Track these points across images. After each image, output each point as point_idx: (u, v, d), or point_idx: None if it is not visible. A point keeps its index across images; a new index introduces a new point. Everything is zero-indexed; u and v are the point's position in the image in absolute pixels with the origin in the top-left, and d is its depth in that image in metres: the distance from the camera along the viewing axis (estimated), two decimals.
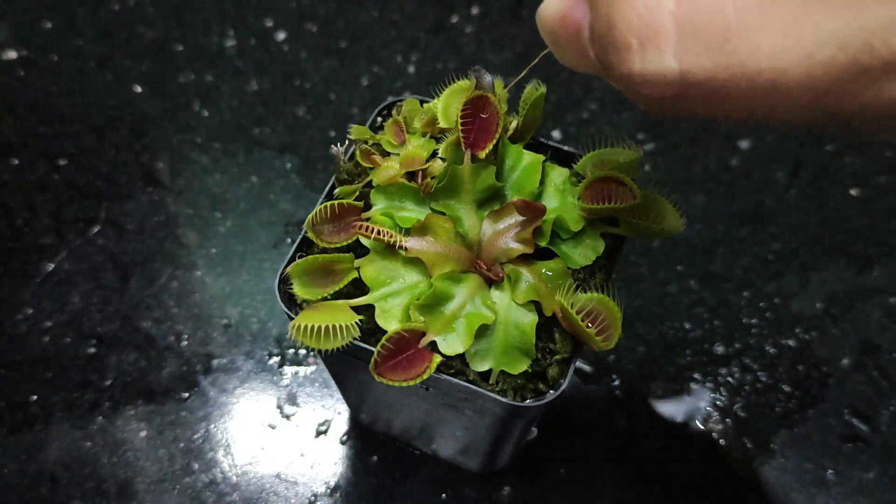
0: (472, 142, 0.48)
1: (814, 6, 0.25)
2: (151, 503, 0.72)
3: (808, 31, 0.25)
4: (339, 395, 0.77)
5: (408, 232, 0.49)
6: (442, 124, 0.52)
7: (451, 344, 0.46)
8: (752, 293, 0.84)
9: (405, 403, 0.62)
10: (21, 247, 0.88)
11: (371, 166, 0.53)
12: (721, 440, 0.75)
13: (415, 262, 0.48)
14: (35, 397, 0.78)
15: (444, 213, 0.50)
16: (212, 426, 0.77)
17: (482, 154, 0.48)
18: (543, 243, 0.49)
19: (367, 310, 0.48)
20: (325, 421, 0.77)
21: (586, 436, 0.76)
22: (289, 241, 0.89)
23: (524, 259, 0.49)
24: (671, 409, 0.77)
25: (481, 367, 0.47)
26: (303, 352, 0.81)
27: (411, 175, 0.51)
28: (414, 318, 0.46)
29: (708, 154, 0.94)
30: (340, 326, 0.44)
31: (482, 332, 0.47)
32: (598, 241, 0.50)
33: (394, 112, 0.57)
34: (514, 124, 0.53)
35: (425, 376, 0.45)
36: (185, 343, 0.82)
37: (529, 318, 0.47)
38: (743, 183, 0.91)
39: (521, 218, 0.49)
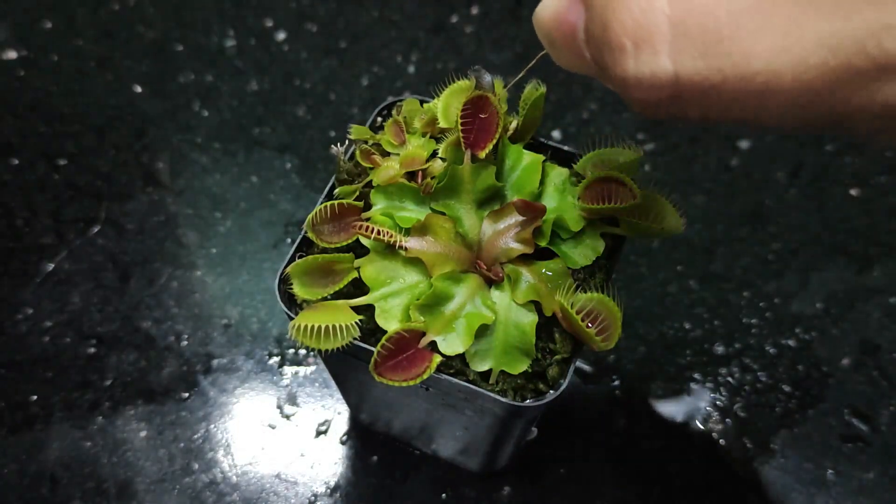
0: (472, 142, 0.48)
1: (807, 9, 0.25)
2: (151, 503, 0.72)
3: (801, 34, 0.25)
4: (339, 395, 0.77)
5: (408, 232, 0.49)
6: (442, 124, 0.52)
7: (451, 344, 0.46)
8: (752, 293, 0.84)
9: (405, 403, 0.62)
10: (21, 247, 0.88)
11: (371, 166, 0.53)
12: (721, 440, 0.75)
13: (415, 262, 0.48)
14: (35, 397, 0.78)
15: (444, 213, 0.50)
16: (212, 426, 0.77)
17: (482, 154, 0.48)
18: (543, 243, 0.49)
19: (367, 310, 0.48)
20: (325, 421, 0.77)
21: (586, 436, 0.76)
22: (289, 241, 0.89)
23: (524, 259, 0.49)
24: (671, 409, 0.77)
25: (481, 367, 0.47)
26: (303, 352, 0.81)
27: (411, 175, 0.51)
28: (414, 318, 0.46)
29: (708, 154, 0.94)
30: (340, 326, 0.44)
31: (482, 332, 0.47)
32: (598, 241, 0.50)
33: (394, 112, 0.57)
34: (514, 124, 0.53)
35: (425, 376, 0.45)
36: (185, 343, 0.82)
37: (529, 318, 0.47)
38: (743, 183, 0.91)
39: (521, 218, 0.49)
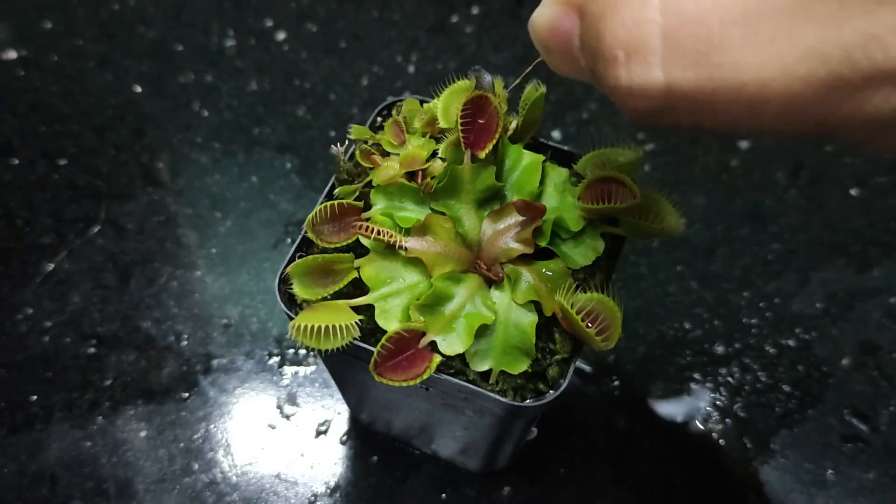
0: (472, 142, 0.48)
1: (796, 20, 0.25)
2: (151, 503, 0.72)
3: (791, 45, 0.26)
4: (339, 395, 0.77)
5: (408, 232, 0.49)
6: (442, 124, 0.52)
7: (451, 344, 0.46)
8: (752, 293, 0.84)
9: (405, 403, 0.62)
10: (21, 247, 0.88)
11: (371, 166, 0.53)
12: (721, 440, 0.75)
13: (415, 262, 0.48)
14: (35, 397, 0.78)
15: (444, 213, 0.50)
16: (212, 426, 0.77)
17: (482, 154, 0.48)
18: (543, 243, 0.49)
19: (367, 310, 0.48)
20: (325, 421, 0.77)
21: (586, 436, 0.76)
22: (289, 241, 0.89)
23: (524, 259, 0.49)
24: (671, 409, 0.77)
25: (481, 367, 0.47)
26: (303, 352, 0.81)
27: (411, 175, 0.51)
28: (414, 318, 0.46)
29: (708, 154, 0.94)
30: (340, 326, 0.44)
31: (482, 332, 0.47)
32: (598, 241, 0.50)
33: (394, 112, 0.57)
34: (514, 124, 0.53)
35: (425, 376, 0.45)
36: (185, 343, 0.82)
37: (529, 318, 0.47)
38: (743, 183, 0.91)
39: (521, 218, 0.49)
